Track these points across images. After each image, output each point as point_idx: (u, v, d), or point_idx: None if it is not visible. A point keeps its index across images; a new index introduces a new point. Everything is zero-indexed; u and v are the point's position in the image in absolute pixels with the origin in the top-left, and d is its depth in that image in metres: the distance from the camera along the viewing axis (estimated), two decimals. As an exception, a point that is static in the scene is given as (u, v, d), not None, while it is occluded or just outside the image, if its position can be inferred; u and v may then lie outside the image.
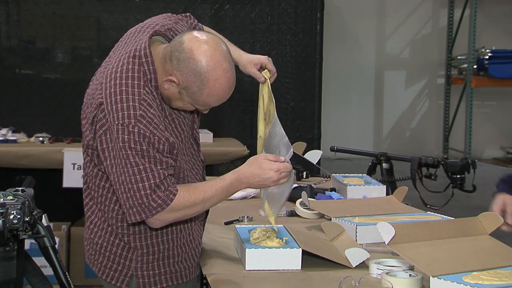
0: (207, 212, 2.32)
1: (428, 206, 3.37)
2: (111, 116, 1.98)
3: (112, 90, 2.00)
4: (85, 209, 2.23)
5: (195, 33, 2.05)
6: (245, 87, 5.15)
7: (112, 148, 1.98)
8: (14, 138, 4.79)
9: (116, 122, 1.97)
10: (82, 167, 2.28)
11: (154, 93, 2.04)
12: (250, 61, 2.41)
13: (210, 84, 2.00)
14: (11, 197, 2.03)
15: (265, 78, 2.34)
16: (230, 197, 3.04)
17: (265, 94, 2.33)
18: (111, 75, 2.03)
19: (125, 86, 2.00)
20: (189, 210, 2.05)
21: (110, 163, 1.99)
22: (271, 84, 2.37)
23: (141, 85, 2.01)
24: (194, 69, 1.99)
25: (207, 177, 2.33)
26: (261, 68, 2.38)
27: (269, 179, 2.08)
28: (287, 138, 2.17)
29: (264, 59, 2.38)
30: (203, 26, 2.44)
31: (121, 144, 1.96)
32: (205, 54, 1.99)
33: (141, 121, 1.96)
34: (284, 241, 2.13)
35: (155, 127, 1.98)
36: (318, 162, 3.02)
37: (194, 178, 2.21)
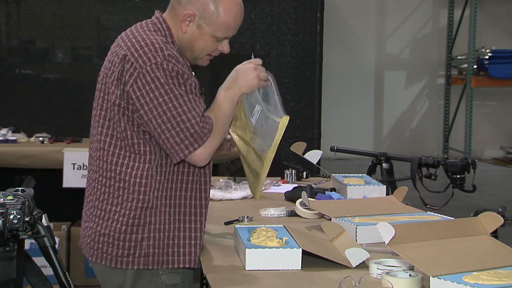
0: (205, 211, 2.28)
1: (428, 206, 3.36)
2: (140, 62, 2.03)
3: (134, 40, 2.08)
4: (91, 204, 2.17)
5: None
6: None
7: (149, 89, 2.02)
8: (14, 138, 4.79)
9: (148, 63, 2.02)
10: (87, 163, 2.23)
11: (176, 51, 2.10)
12: None
13: None
14: (11, 197, 2.03)
15: None
16: (230, 197, 3.07)
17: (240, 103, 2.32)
18: (128, 34, 2.12)
19: (146, 36, 2.08)
20: (218, 131, 2.10)
21: (149, 108, 2.02)
22: None
23: (161, 40, 2.09)
24: None
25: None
26: None
27: (250, 73, 2.16)
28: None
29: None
30: None
31: (161, 80, 2.01)
32: None
33: (171, 60, 2.04)
34: (284, 241, 2.13)
35: (182, 66, 2.06)
36: (318, 162, 3.02)
37: None
